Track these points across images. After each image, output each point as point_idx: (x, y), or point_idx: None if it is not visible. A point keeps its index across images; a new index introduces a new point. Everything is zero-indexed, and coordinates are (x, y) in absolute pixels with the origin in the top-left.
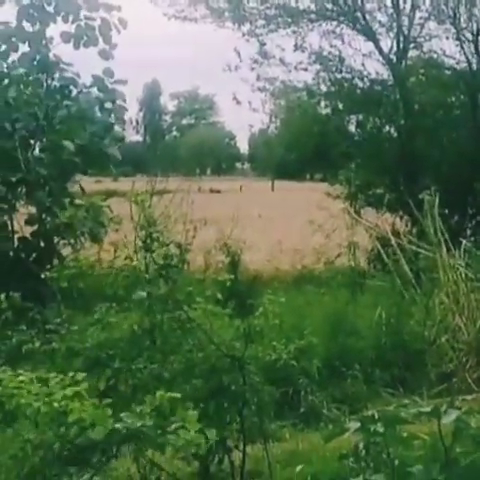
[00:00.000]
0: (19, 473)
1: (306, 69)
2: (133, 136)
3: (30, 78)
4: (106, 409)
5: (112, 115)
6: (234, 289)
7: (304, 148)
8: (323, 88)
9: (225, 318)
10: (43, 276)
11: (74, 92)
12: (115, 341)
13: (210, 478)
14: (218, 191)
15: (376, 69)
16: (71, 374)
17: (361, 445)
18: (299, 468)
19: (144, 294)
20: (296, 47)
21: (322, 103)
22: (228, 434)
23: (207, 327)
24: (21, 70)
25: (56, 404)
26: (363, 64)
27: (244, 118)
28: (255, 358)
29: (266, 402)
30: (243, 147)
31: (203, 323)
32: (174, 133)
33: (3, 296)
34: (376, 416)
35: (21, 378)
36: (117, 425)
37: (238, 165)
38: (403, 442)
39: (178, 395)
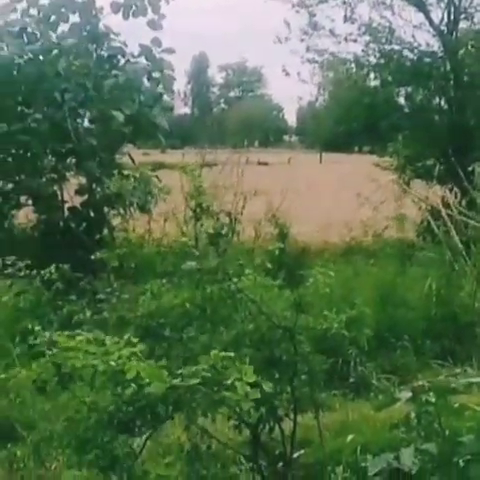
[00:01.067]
0: (73, 436)
1: (356, 40)
2: (181, 108)
3: (80, 49)
4: (162, 369)
5: (160, 85)
6: (283, 260)
7: (353, 120)
8: (372, 60)
9: (275, 289)
10: (93, 257)
11: (122, 62)
12: (166, 310)
13: (261, 446)
14: (266, 163)
15: (426, 40)
16: (126, 336)
17: (412, 415)
18: (350, 437)
19: (193, 264)
20: (346, 18)
21: (371, 75)
22: (279, 403)
23: (257, 298)
24: (71, 40)
25: (113, 362)
26: (413, 35)
27: (292, 90)
28: (306, 328)
29: (317, 372)
30: (291, 119)
31: (253, 294)
32: (222, 105)
33: (53, 267)
34: (427, 386)
35: (79, 338)
36: (175, 381)
37: (286, 138)
38: (454, 412)
39: (232, 354)
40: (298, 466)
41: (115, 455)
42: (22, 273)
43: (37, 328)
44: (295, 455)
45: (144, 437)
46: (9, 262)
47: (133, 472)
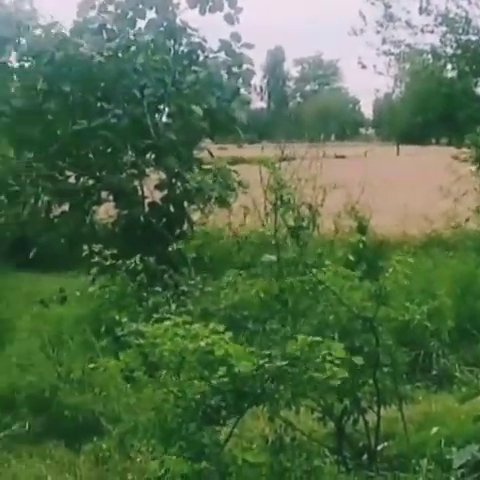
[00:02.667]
0: (158, 428)
1: (432, 31)
2: (257, 103)
3: (157, 44)
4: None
5: (239, 79)
6: (363, 252)
7: (429, 112)
8: (449, 50)
9: (355, 280)
10: (171, 249)
11: (201, 57)
12: (248, 303)
13: (345, 438)
14: (343, 156)
15: None
16: (211, 325)
17: None
18: (434, 430)
19: (272, 258)
20: (422, 9)
21: (448, 66)
22: (362, 395)
23: (337, 289)
24: (148, 37)
25: (203, 343)
26: None
27: (369, 83)
28: (387, 319)
29: (399, 364)
30: (367, 112)
31: (334, 285)
32: (298, 99)
33: (138, 258)
34: None
35: (167, 323)
36: (262, 361)
37: (362, 130)
38: None
39: (319, 338)
40: (382, 458)
41: (200, 445)
42: (108, 262)
43: (124, 319)
44: (379, 447)
45: (231, 425)
46: (96, 249)
47: (220, 460)
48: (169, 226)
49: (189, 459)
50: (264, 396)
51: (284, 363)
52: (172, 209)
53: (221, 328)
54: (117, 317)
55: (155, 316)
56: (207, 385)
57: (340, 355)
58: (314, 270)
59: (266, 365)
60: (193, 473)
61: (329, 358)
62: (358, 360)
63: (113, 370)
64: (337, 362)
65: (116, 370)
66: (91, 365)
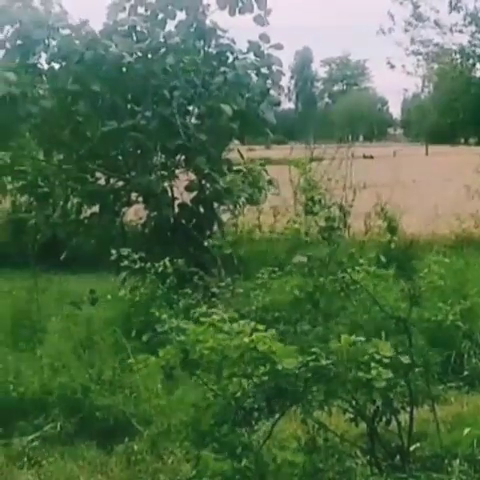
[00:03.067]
0: (192, 430)
1: (461, 31)
2: (285, 104)
3: (187, 46)
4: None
5: (268, 80)
6: (393, 252)
7: (458, 112)
8: (478, 50)
9: (389, 280)
10: (206, 244)
11: (230, 58)
12: (279, 304)
13: (377, 439)
14: (371, 157)
15: None
16: (252, 324)
17: None
18: (466, 431)
19: (304, 258)
20: (451, 8)
21: (478, 65)
22: (394, 396)
23: (371, 289)
24: (178, 38)
25: (246, 339)
26: None
27: (397, 83)
28: (420, 320)
29: (432, 364)
30: (396, 112)
31: (367, 285)
32: (326, 100)
33: (167, 260)
34: None
35: (214, 317)
36: (308, 358)
37: (390, 131)
38: None
39: (362, 338)
40: (415, 459)
41: (234, 446)
42: (137, 265)
43: (164, 316)
44: (412, 448)
45: (264, 426)
46: (124, 253)
47: (259, 459)
48: (199, 227)
49: (226, 458)
50: (298, 397)
51: (329, 361)
52: (202, 210)
53: (261, 327)
54: (157, 314)
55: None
56: (248, 383)
57: (388, 353)
58: (348, 270)
59: (310, 363)
60: (233, 471)
61: (377, 357)
62: (405, 359)
63: (153, 367)
64: (386, 361)
65: (156, 367)
66: (130, 360)
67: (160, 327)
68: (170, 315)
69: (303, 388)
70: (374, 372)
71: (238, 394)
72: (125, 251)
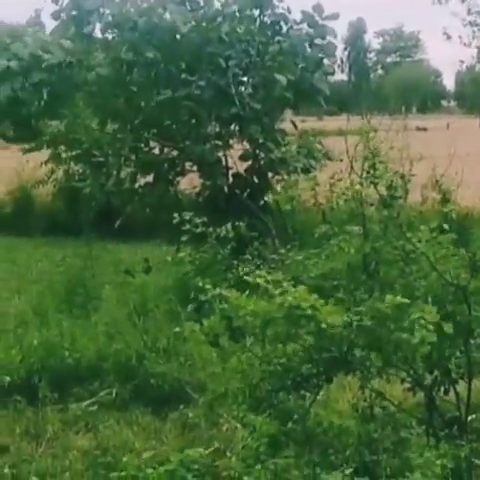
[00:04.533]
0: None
1: None
2: (338, 75)
3: (243, 15)
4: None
5: (322, 51)
6: (451, 223)
7: None
8: None
9: (449, 247)
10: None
11: (284, 28)
12: (338, 272)
13: (435, 409)
14: (424, 129)
15: None
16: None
17: None
18: None
19: (358, 229)
20: None
21: None
22: (453, 366)
23: (430, 256)
24: (235, 7)
25: (290, 298)
26: None
27: (451, 55)
28: None
29: None
30: (449, 84)
31: (426, 251)
32: (379, 72)
33: (229, 225)
34: None
35: (259, 279)
36: (353, 317)
37: (444, 103)
38: None
39: (407, 300)
40: (472, 430)
41: (289, 411)
42: (198, 230)
43: (208, 286)
44: (469, 418)
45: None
46: (187, 217)
47: (306, 422)
48: (253, 197)
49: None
50: (355, 364)
51: (373, 321)
52: (256, 180)
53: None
54: (201, 284)
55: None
56: (294, 348)
57: (433, 319)
58: (408, 235)
59: (355, 323)
60: (280, 434)
61: (421, 322)
62: (448, 328)
63: (198, 336)
64: (430, 327)
65: (200, 336)
66: (176, 329)
67: (204, 296)
68: (221, 284)
69: (350, 353)
70: (418, 335)
71: (283, 360)
72: (187, 215)
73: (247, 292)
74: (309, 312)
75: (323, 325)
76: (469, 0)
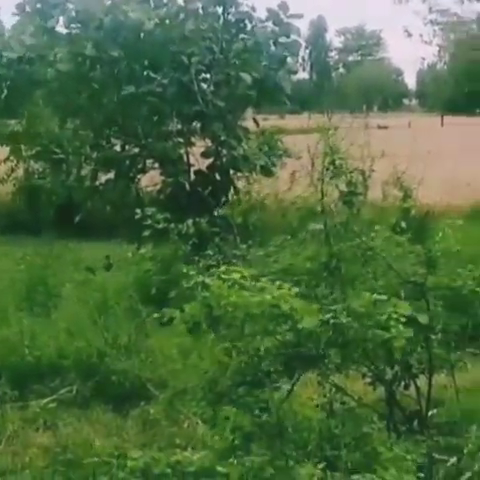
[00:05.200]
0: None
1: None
2: (300, 74)
3: (206, 12)
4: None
5: (286, 49)
6: (410, 220)
7: (475, 82)
8: None
9: (405, 245)
10: (216, 213)
11: (249, 26)
12: (298, 268)
13: (396, 403)
14: (385, 127)
15: None
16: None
17: None
18: None
19: (319, 226)
20: None
21: None
22: (413, 361)
23: (387, 255)
24: (198, 4)
25: (269, 296)
26: None
27: (412, 53)
28: (438, 285)
29: (450, 330)
30: (411, 83)
31: (384, 251)
32: (340, 70)
33: (190, 221)
34: None
35: (235, 274)
36: (327, 316)
37: (405, 101)
38: None
39: (384, 297)
40: (432, 425)
41: (250, 407)
42: (160, 225)
43: (192, 272)
44: (430, 413)
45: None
46: (149, 213)
47: (279, 414)
48: (215, 194)
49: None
50: (317, 359)
51: (349, 319)
52: (218, 177)
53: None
54: (184, 270)
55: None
56: (270, 341)
57: (406, 312)
58: (365, 236)
59: (331, 321)
60: (253, 426)
61: (395, 316)
62: (423, 319)
63: (178, 322)
64: (403, 320)
65: (180, 322)
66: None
67: (186, 283)
68: (197, 271)
69: (323, 350)
70: (394, 331)
71: (261, 352)
72: (149, 211)
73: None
74: (287, 312)
75: (299, 326)
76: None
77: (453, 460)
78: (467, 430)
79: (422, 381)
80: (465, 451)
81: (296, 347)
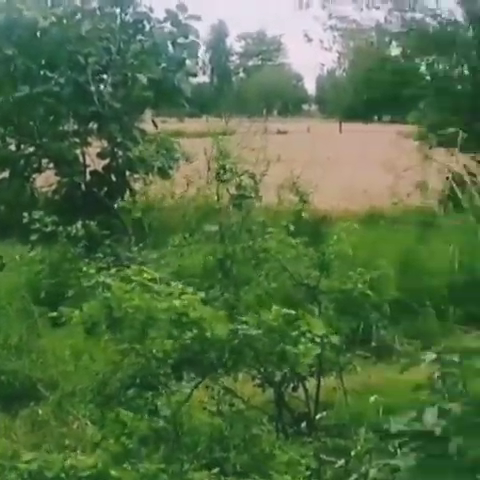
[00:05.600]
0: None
1: (378, 8)
2: (200, 77)
3: (103, 12)
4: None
5: (185, 51)
6: (306, 224)
7: (373, 89)
8: (395, 28)
9: (299, 247)
10: (116, 206)
11: (147, 27)
12: (191, 271)
13: (284, 406)
14: (285, 132)
15: (449, 8)
16: (180, 285)
17: (436, 376)
18: (372, 398)
19: (215, 227)
20: None
21: (394, 43)
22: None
23: (281, 257)
24: (94, 4)
25: (177, 302)
26: (437, 2)
27: (312, 59)
28: (330, 288)
29: (340, 334)
30: (310, 89)
31: (277, 253)
32: (241, 75)
33: (80, 224)
34: (452, 348)
35: (144, 275)
36: (239, 326)
37: (305, 107)
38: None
39: (293, 312)
40: (321, 427)
41: (140, 410)
42: (48, 229)
43: (92, 271)
44: (318, 416)
45: (192, 385)
46: (36, 216)
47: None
48: (110, 195)
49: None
50: (206, 363)
51: (259, 331)
52: (114, 178)
53: (188, 290)
54: (84, 268)
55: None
56: (170, 345)
57: (319, 332)
58: (259, 238)
59: (240, 332)
60: (150, 431)
61: (309, 336)
62: (335, 339)
63: (76, 321)
64: (317, 340)
65: (78, 321)
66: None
67: (86, 282)
68: (97, 269)
69: (228, 356)
70: (302, 347)
71: (160, 355)
72: (37, 214)
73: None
74: (196, 319)
75: (208, 334)
76: (330, 5)
77: (341, 462)
78: (356, 432)
79: (312, 383)
80: (353, 453)
81: (198, 353)
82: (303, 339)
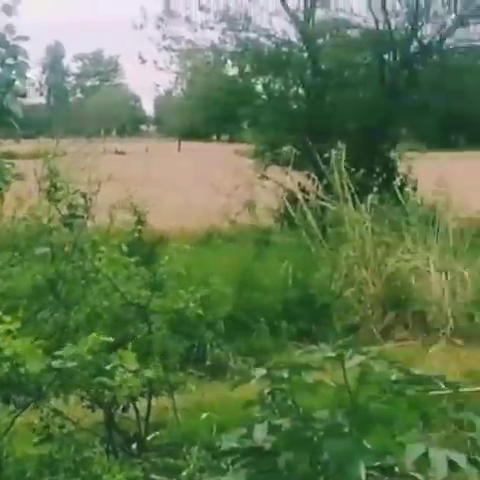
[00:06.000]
0: None
1: (212, 28)
2: (36, 98)
3: None
4: (39, 348)
5: (13, 71)
6: (140, 244)
7: (211, 108)
8: (230, 47)
9: (131, 267)
10: None
11: None
12: (20, 292)
13: (115, 427)
14: (123, 152)
15: (283, 28)
16: None
17: (266, 392)
18: (204, 416)
19: (46, 250)
20: (201, 6)
21: (229, 62)
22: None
23: (112, 276)
24: None
25: None
26: (270, 23)
27: (150, 80)
28: (161, 308)
29: (172, 353)
30: (149, 109)
31: (108, 272)
32: (78, 95)
33: None
34: (282, 364)
35: None
36: (53, 362)
37: (143, 127)
38: (309, 388)
39: (111, 339)
40: (153, 447)
41: None
42: None
43: None
44: (150, 436)
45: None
46: None
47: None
48: None
49: None
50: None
51: (74, 364)
52: None
53: (6, 318)
54: None
55: None
56: None
57: (132, 367)
58: (89, 257)
59: (55, 365)
60: None
61: (121, 370)
62: (149, 374)
63: None
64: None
65: None
66: None
67: None
68: None
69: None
70: (118, 379)
71: None
72: None
73: None
74: (10, 356)
75: (22, 370)
76: (164, 26)
77: None
78: (188, 451)
79: (144, 404)
80: (184, 473)
81: (16, 386)
82: (118, 372)
